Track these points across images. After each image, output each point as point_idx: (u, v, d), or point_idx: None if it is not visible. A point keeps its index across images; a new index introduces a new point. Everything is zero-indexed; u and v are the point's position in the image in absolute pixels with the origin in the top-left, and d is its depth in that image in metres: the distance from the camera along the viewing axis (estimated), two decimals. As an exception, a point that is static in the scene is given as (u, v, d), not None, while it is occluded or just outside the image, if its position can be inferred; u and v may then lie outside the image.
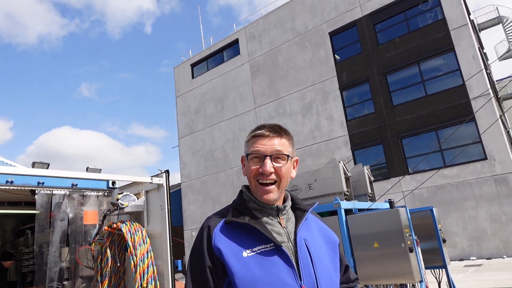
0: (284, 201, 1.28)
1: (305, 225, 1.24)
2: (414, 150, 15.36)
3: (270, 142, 1.21)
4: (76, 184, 4.22)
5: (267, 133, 1.22)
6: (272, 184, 1.21)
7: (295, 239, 1.19)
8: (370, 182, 5.57)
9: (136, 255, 3.66)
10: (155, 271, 3.73)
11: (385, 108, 16.35)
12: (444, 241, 5.61)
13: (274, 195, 1.21)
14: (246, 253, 1.12)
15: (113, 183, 4.46)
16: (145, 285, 3.61)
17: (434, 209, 5.52)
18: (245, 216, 1.18)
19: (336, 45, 18.43)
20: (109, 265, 3.80)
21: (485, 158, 13.82)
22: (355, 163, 15.96)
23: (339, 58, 18.27)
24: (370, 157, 16.21)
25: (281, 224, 1.22)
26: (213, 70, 23.28)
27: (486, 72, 15.15)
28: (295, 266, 1.14)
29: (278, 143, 1.22)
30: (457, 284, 7.51)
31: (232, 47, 22.83)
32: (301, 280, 1.12)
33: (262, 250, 1.13)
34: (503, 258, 12.76)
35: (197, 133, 23.22)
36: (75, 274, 4.69)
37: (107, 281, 3.81)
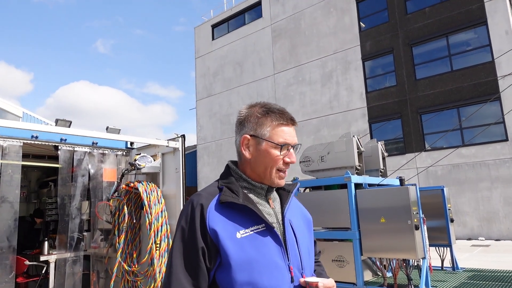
0: None
1: (289, 206, 1.28)
2: (433, 126, 15.06)
3: (294, 133, 1.27)
4: (97, 143, 4.39)
5: (291, 123, 1.26)
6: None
7: (282, 220, 1.22)
8: (383, 158, 5.58)
9: (151, 214, 3.86)
10: (169, 230, 3.94)
11: (408, 82, 15.90)
12: (452, 220, 5.67)
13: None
14: (239, 234, 1.11)
15: (131, 144, 4.61)
16: (158, 242, 3.83)
17: (445, 189, 5.54)
18: (239, 196, 1.17)
19: (362, 12, 17.71)
20: (126, 221, 4.02)
21: (506, 140, 13.49)
22: (371, 137, 15.82)
23: (364, 26, 17.61)
24: (387, 131, 16.01)
25: (269, 205, 1.24)
26: (234, 32, 22.83)
27: (519, 50, 14.40)
28: (284, 247, 1.16)
29: (295, 134, 1.28)
30: (462, 262, 7.62)
31: (255, 9, 22.21)
32: (288, 260, 1.15)
33: (254, 231, 1.14)
34: (512, 240, 12.79)
35: (214, 96, 23.22)
36: (94, 227, 4.99)
37: (123, 236, 4.05)
